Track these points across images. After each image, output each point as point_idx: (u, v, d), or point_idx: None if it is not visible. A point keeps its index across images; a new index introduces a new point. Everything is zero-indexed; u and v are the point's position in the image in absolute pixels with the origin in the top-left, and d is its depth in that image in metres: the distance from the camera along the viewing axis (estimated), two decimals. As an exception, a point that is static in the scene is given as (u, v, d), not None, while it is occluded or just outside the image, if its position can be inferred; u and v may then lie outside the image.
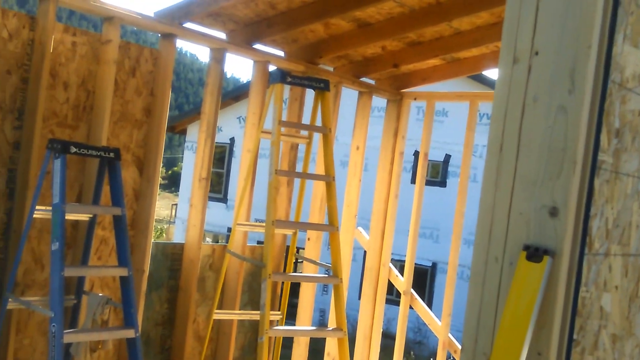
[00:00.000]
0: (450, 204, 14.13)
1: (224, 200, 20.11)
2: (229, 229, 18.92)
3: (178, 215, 22.62)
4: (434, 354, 14.29)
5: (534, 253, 2.25)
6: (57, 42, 4.65)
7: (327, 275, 5.10)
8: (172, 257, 5.55)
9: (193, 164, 5.76)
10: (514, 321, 2.22)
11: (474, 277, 2.40)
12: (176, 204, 24.65)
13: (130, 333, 4.10)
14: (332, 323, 6.49)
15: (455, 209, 6.88)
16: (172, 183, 42.42)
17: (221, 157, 20.81)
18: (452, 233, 6.86)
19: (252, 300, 6.18)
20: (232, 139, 20.61)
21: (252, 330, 6.23)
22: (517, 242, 2.31)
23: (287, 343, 6.54)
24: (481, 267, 2.38)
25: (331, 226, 5.10)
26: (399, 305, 7.23)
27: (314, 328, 5.62)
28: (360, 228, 7.32)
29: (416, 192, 7.06)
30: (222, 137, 19.55)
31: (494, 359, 2.24)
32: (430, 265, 18.17)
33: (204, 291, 5.76)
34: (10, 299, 4.26)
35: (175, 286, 5.57)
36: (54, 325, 3.76)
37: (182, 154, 23.71)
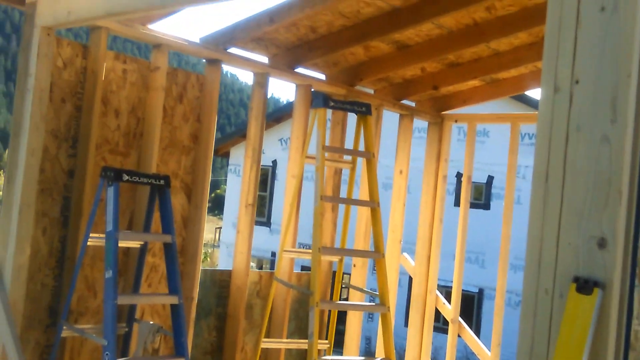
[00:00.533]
0: (495, 227, 13.97)
1: (267, 224, 20.27)
2: (273, 254, 19.02)
3: (222, 240, 22.83)
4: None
5: (584, 285, 2.29)
6: (108, 70, 4.85)
7: (374, 304, 5.14)
8: (219, 284, 5.67)
9: (238, 188, 5.89)
10: (567, 355, 2.26)
11: (525, 308, 2.45)
12: (220, 227, 24.86)
13: (181, 363, 4.22)
14: (379, 351, 6.53)
15: (501, 232, 6.87)
16: (216, 206, 42.77)
17: (263, 179, 20.99)
18: (499, 259, 6.85)
19: (299, 328, 6.26)
20: (275, 162, 20.78)
21: (300, 358, 6.30)
22: (567, 273, 2.35)
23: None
24: (532, 298, 2.43)
25: (377, 253, 5.16)
26: (446, 334, 7.24)
27: (362, 358, 5.68)
28: (405, 254, 7.36)
29: (461, 216, 7.08)
30: (264, 160, 19.50)
31: None
32: (477, 291, 18.00)
33: (251, 319, 5.86)
34: (65, 327, 4.41)
35: (224, 314, 5.68)
36: (107, 354, 3.89)
37: (225, 177, 23.95)
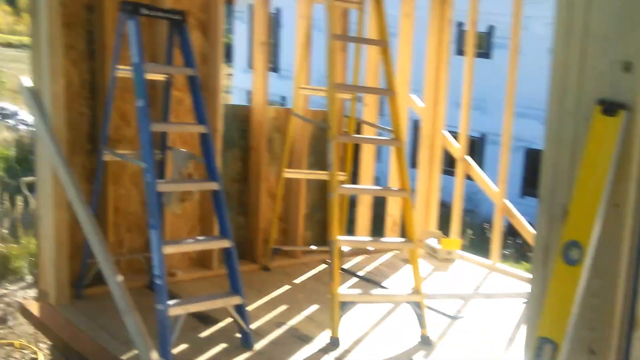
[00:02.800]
0: (496, 76, 13.89)
1: (275, 70, 20.20)
2: (283, 98, 18.99)
3: (235, 84, 22.83)
4: (486, 220, 14.62)
5: (609, 107, 2.35)
6: None
7: (389, 138, 5.24)
8: (241, 119, 5.83)
9: (244, 34, 5.93)
10: (592, 174, 2.36)
11: (549, 132, 2.54)
12: (231, 74, 24.76)
13: (214, 186, 4.39)
14: (393, 185, 6.75)
15: (503, 80, 6.86)
16: (225, 55, 42.35)
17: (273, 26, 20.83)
18: (506, 103, 6.85)
19: (318, 162, 6.45)
20: (279, 9, 20.43)
21: (319, 189, 6.55)
22: (591, 97, 2.42)
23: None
24: (556, 122, 2.52)
25: (389, 90, 5.19)
26: (453, 175, 7.37)
27: (380, 187, 5.85)
28: (413, 95, 7.40)
29: (468, 56, 7.04)
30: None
31: (573, 210, 2.39)
32: (480, 136, 18.17)
33: (273, 151, 6.05)
34: (106, 152, 4.59)
35: (246, 146, 5.86)
36: (148, 175, 4.05)
37: (232, 25, 23.53)
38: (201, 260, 5.67)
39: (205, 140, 4.46)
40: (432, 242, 7.14)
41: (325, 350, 4.47)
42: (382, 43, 5.20)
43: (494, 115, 17.48)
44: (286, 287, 5.59)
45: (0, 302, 6.36)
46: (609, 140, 2.36)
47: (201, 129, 4.44)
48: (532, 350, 2.39)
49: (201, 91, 4.48)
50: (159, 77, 4.93)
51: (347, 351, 4.50)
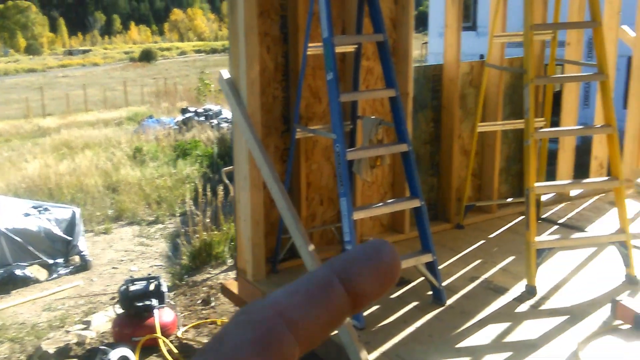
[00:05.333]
0: None
1: (473, 28, 19.59)
2: (481, 56, 18.42)
3: (430, 51, 22.53)
4: None
5: None
6: None
7: (591, 74, 4.88)
8: (432, 79, 5.73)
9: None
10: None
11: None
12: (426, 42, 24.47)
13: (403, 147, 4.37)
14: (598, 122, 6.34)
15: None
16: (420, 23, 41.85)
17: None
18: None
19: (514, 112, 6.20)
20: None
21: (516, 141, 6.29)
22: None
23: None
24: None
25: (593, 22, 4.80)
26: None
27: (580, 127, 5.43)
28: (624, 26, 6.86)
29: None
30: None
31: None
32: None
33: (465, 108, 5.90)
34: (298, 129, 4.75)
35: (438, 106, 5.77)
36: (337, 145, 4.12)
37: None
38: (393, 225, 5.66)
39: (394, 104, 4.40)
40: (642, 180, 6.66)
41: (520, 299, 4.33)
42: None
43: None
44: (480, 242, 5.44)
45: (203, 286, 6.71)
46: None
47: (390, 92, 4.39)
48: None
49: (390, 56, 4.43)
50: (349, 48, 4.94)
51: (544, 298, 4.34)
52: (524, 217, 5.96)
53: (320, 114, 5.10)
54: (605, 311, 4.11)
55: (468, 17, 19.82)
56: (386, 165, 5.30)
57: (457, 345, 3.77)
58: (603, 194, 6.63)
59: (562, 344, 3.74)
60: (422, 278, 4.56)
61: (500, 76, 5.89)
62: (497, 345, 3.77)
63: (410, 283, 4.66)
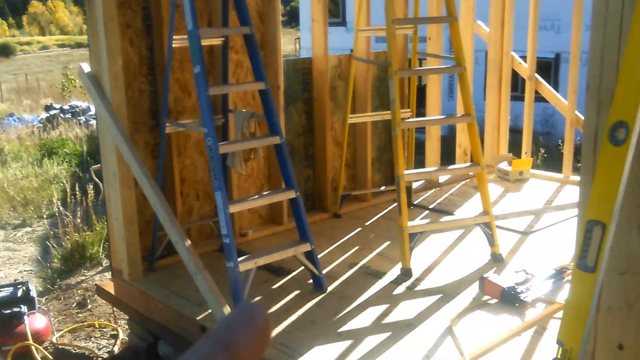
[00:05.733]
0: None
1: (343, 23, 19.94)
2: (351, 50, 18.80)
3: (303, 46, 22.73)
4: (553, 147, 14.17)
5: None
6: None
7: (451, 66, 5.10)
8: (303, 72, 5.77)
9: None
10: (637, 51, 2.21)
11: (595, 17, 2.38)
12: (298, 38, 24.63)
13: (276, 140, 4.36)
14: (459, 111, 6.62)
15: None
16: (292, 19, 42.19)
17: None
18: (573, 17, 6.56)
19: (382, 104, 6.36)
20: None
21: (386, 131, 6.46)
22: None
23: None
24: (602, 6, 2.37)
25: (450, 17, 5.02)
26: (523, 101, 7.18)
27: (443, 117, 5.70)
28: (479, 21, 7.19)
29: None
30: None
31: (619, 89, 2.25)
32: (554, 56, 17.41)
33: (336, 100, 5.99)
34: (167, 124, 4.66)
35: (310, 98, 5.83)
36: (209, 139, 4.06)
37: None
38: (271, 216, 5.68)
39: (264, 97, 4.41)
40: (504, 165, 7.01)
41: (397, 281, 4.46)
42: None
43: (568, 34, 16.70)
44: (357, 230, 5.56)
45: (78, 289, 6.47)
46: None
47: (259, 85, 4.38)
48: (581, 234, 2.33)
49: (258, 49, 4.42)
50: (216, 41, 4.90)
51: (418, 279, 4.49)
52: (396, 204, 6.16)
53: (191, 108, 5.03)
54: (474, 288, 4.31)
55: (338, 13, 20.16)
56: (261, 158, 5.30)
57: (339, 330, 3.83)
58: (468, 180, 6.93)
59: (437, 321, 3.88)
60: (303, 267, 4.60)
61: (368, 69, 6.03)
62: (377, 326, 3.86)
63: (290, 273, 4.69)
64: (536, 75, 7.08)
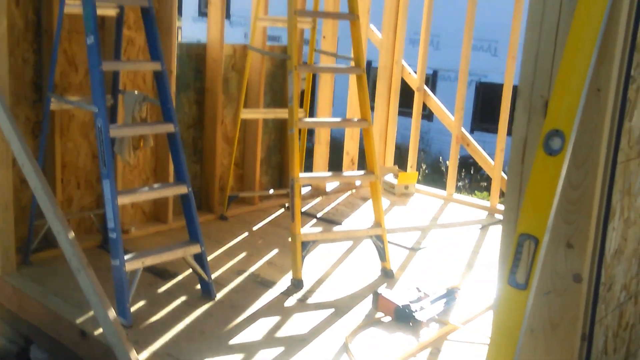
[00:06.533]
0: (449, 10, 13.42)
1: (227, 16, 19.50)
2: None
3: (184, 36, 21.99)
4: (436, 161, 14.57)
5: None
6: None
7: (349, 66, 4.95)
8: (196, 58, 5.43)
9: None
10: (576, 58, 2.12)
11: (531, 17, 2.28)
12: (180, 27, 23.82)
13: (170, 127, 4.02)
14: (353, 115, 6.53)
15: (456, 14, 6.63)
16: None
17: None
18: (464, 36, 6.60)
19: (274, 101, 6.13)
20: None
21: (276, 131, 6.25)
22: None
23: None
24: (539, 4, 2.27)
25: (351, 14, 4.89)
26: (407, 116, 7.16)
27: (339, 119, 5.56)
28: (372, 25, 7.11)
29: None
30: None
31: (554, 97, 2.17)
32: (432, 73, 17.86)
33: (228, 93, 5.69)
34: (53, 99, 4.20)
35: (202, 88, 5.50)
36: (99, 120, 3.67)
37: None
38: (156, 214, 5.30)
39: (160, 79, 4.05)
40: (389, 177, 6.98)
41: (287, 292, 4.26)
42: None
43: (447, 51, 17.13)
44: (245, 235, 5.30)
45: None
46: (594, 19, 2.11)
47: (156, 65, 4.02)
48: (512, 248, 2.22)
49: (156, 25, 4.05)
50: (110, 12, 4.48)
51: (310, 291, 4.31)
52: (284, 209, 5.96)
53: (77, 85, 4.57)
54: (366, 303, 4.18)
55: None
56: (149, 148, 4.92)
57: (230, 342, 3.57)
58: (354, 190, 6.83)
59: (331, 337, 3.71)
60: (189, 271, 4.32)
61: (262, 63, 5.78)
62: (270, 340, 3.63)
63: (176, 277, 4.37)
64: (425, 87, 7.10)
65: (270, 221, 5.71)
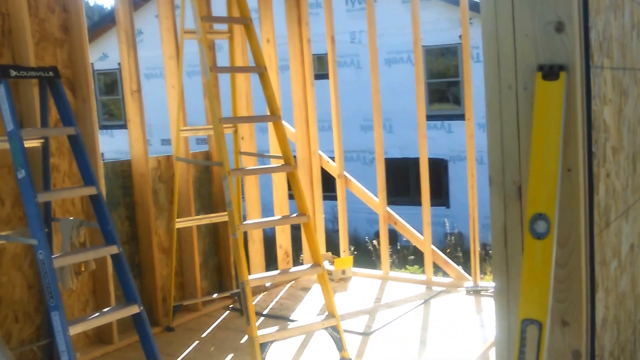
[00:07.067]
0: (346, 94, 13.83)
1: (125, 126, 19.40)
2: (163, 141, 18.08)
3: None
4: (356, 238, 14.71)
5: (550, 71, 2.25)
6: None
7: (280, 165, 5.03)
8: (122, 175, 5.38)
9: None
10: (544, 143, 2.22)
11: (490, 109, 2.40)
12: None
13: (113, 249, 3.95)
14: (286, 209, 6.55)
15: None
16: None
17: (113, 82, 20.04)
18: (374, 114, 6.85)
19: (204, 206, 6.10)
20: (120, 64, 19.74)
21: (210, 235, 6.19)
22: (528, 65, 2.29)
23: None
24: (495, 97, 2.38)
25: (273, 115, 4.99)
26: (328, 199, 7.27)
27: (279, 217, 5.61)
28: (284, 122, 7.25)
29: (331, 76, 7.02)
30: (109, 64, 18.77)
31: (532, 182, 2.24)
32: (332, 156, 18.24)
33: (158, 204, 5.63)
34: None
35: (132, 203, 5.42)
36: (40, 253, 3.56)
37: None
38: (99, 335, 5.08)
39: (96, 202, 4.04)
40: (326, 265, 6.98)
41: (253, 396, 4.15)
42: (260, 69, 5.01)
43: (346, 132, 17.67)
44: (195, 343, 5.16)
45: None
46: (555, 105, 2.22)
47: (91, 190, 4.01)
48: (517, 335, 2.23)
49: (85, 150, 4.04)
50: (34, 144, 4.42)
51: (275, 392, 4.22)
52: (229, 311, 5.85)
53: (5, 218, 4.42)
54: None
55: (120, 115, 19.61)
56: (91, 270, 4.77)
57: None
58: (293, 282, 6.79)
59: None
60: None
61: (188, 170, 5.78)
62: None
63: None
64: (345, 173, 7.25)
65: (217, 325, 5.59)
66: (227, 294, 6.04)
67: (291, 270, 5.45)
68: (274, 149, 6.48)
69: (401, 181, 17.97)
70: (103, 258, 4.12)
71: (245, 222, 4.75)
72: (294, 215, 5.08)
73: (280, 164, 5.00)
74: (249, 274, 5.87)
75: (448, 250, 13.07)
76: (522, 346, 2.22)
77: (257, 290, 6.42)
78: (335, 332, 4.61)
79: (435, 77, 18.62)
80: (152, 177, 5.57)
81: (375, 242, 14.87)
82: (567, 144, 2.26)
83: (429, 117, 19.62)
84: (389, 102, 15.14)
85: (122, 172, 5.38)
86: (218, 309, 5.96)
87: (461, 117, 18.07)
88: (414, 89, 6.51)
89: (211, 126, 5.60)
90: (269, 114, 5.16)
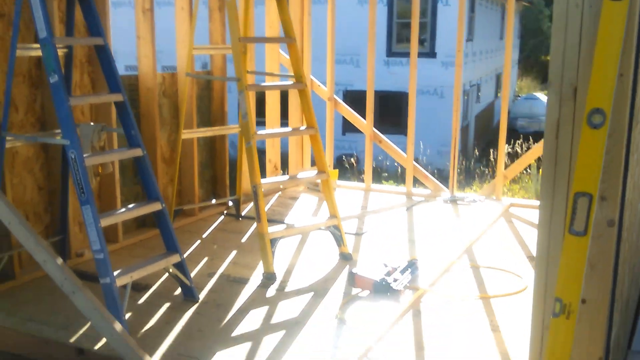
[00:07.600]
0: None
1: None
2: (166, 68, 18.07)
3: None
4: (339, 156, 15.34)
5: None
6: None
7: (294, 82, 5.33)
8: (129, 89, 5.61)
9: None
10: (606, 51, 2.57)
11: (556, 25, 2.73)
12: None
13: (138, 152, 4.22)
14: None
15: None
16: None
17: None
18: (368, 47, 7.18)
19: (203, 121, 6.40)
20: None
21: (207, 148, 6.53)
22: None
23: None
24: (563, 15, 2.70)
25: (289, 37, 5.25)
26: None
27: (290, 129, 6.07)
28: (281, 51, 7.50)
29: (330, 8, 7.33)
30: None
31: (593, 83, 2.59)
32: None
33: (161, 117, 5.89)
34: (8, 137, 4.29)
35: (137, 115, 5.67)
36: (72, 152, 3.81)
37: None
38: (105, 235, 5.35)
39: (122, 109, 4.27)
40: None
41: (264, 285, 4.58)
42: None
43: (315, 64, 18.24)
44: (198, 243, 5.56)
45: None
46: (619, 21, 2.56)
47: (117, 97, 4.25)
48: (569, 205, 2.62)
49: (112, 59, 4.27)
50: (60, 52, 4.57)
51: (284, 282, 4.66)
52: (224, 216, 6.25)
53: (19, 124, 4.64)
54: (339, 283, 4.58)
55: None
56: (110, 173, 5.06)
57: (232, 335, 3.83)
58: (280, 192, 7.20)
59: (322, 315, 4.06)
60: (160, 281, 4.56)
61: (193, 87, 6.05)
62: (267, 327, 3.92)
63: (149, 288, 4.55)
64: (335, 97, 7.61)
65: (215, 228, 6.00)
66: (225, 199, 6.45)
67: (299, 175, 5.93)
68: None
69: (364, 111, 18.78)
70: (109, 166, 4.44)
71: (259, 132, 5.05)
72: (303, 127, 5.44)
73: (294, 82, 5.32)
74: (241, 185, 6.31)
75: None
76: (573, 213, 2.61)
77: (248, 199, 6.76)
78: (337, 231, 5.08)
79: (402, 17, 19.77)
80: (157, 92, 5.82)
81: (352, 159, 16.34)
82: (623, 53, 2.61)
83: (395, 54, 20.14)
84: (359, 39, 15.64)
85: (129, 85, 5.61)
86: (213, 215, 6.37)
87: (425, 55, 18.88)
88: (383, 27, 6.92)
89: (222, 46, 6.02)
90: (285, 36, 5.37)
